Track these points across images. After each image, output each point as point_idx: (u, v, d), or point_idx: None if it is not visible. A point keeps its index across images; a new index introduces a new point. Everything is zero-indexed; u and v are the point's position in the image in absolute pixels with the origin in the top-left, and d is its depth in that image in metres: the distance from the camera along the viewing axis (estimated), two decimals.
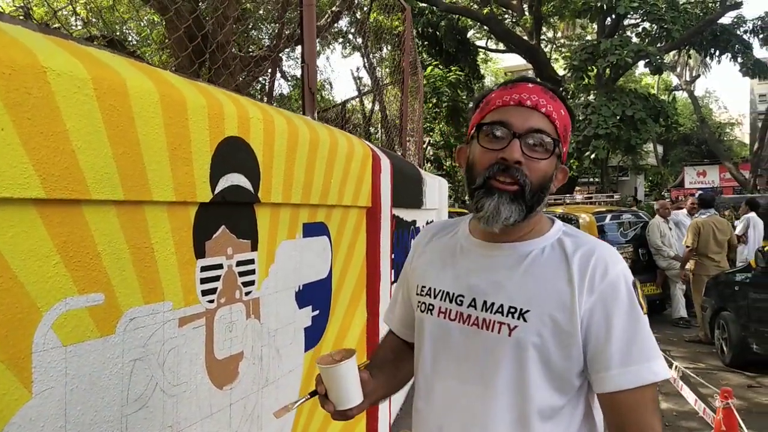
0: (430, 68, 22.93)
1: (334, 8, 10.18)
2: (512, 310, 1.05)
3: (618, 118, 16.03)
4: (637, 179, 29.94)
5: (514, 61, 31.13)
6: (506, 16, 23.79)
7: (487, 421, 1.06)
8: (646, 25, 18.55)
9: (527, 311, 1.04)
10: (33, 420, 1.06)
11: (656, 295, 7.77)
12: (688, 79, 29.93)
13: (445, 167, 26.40)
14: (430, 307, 1.17)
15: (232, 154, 1.61)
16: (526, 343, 1.03)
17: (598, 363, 1.01)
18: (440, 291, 1.16)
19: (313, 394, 1.21)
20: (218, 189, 1.55)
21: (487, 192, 1.04)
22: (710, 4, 18.82)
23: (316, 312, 2.24)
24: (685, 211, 8.00)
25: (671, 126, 18.09)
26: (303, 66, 2.39)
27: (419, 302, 1.21)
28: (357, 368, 1.15)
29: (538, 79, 1.12)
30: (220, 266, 1.60)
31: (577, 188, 24.76)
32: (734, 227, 7.61)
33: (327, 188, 2.22)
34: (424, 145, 25.41)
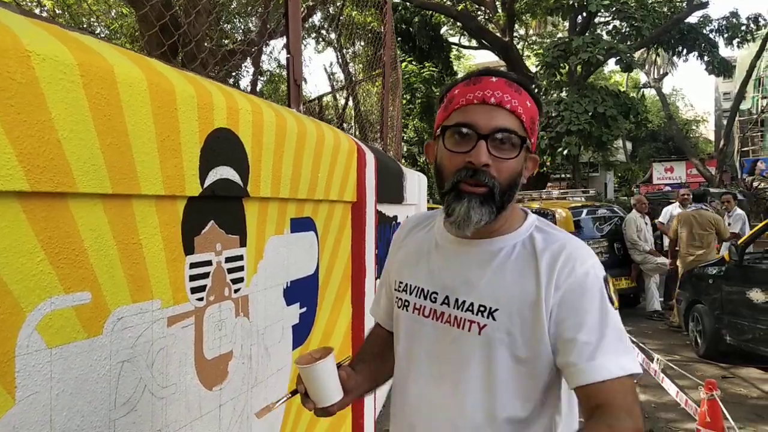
0: (403, 64, 22.90)
1: (309, 2, 10.08)
2: (482, 308, 1.06)
3: (590, 114, 16.23)
4: (607, 175, 30.41)
5: (488, 57, 31.33)
6: (479, 12, 23.88)
7: (457, 419, 1.08)
8: (617, 23, 18.81)
9: (496, 310, 1.05)
10: (16, 428, 0.99)
11: (631, 288, 7.89)
12: (656, 76, 30.48)
13: (419, 163, 26.46)
14: (406, 303, 1.18)
15: (222, 146, 1.55)
16: (494, 341, 1.04)
17: (566, 358, 1.01)
18: (415, 287, 1.17)
19: (294, 392, 1.23)
20: (207, 182, 1.49)
21: (456, 196, 1.04)
22: (678, 4, 19.17)
23: (304, 309, 2.18)
24: (677, 204, 8.06)
25: (641, 123, 18.39)
26: (288, 58, 2.32)
27: (397, 298, 1.22)
28: (335, 366, 1.17)
29: (503, 70, 1.14)
30: (209, 263, 1.54)
31: (549, 184, 25.03)
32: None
33: (314, 183, 2.17)
34: None
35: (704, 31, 18.81)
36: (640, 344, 6.25)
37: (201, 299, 1.51)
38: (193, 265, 1.47)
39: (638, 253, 7.58)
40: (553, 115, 16.84)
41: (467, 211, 1.02)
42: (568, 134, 16.35)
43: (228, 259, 1.63)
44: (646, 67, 29.89)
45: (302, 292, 2.16)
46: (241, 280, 1.70)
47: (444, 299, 1.11)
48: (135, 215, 1.27)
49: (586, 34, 17.41)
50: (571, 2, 16.88)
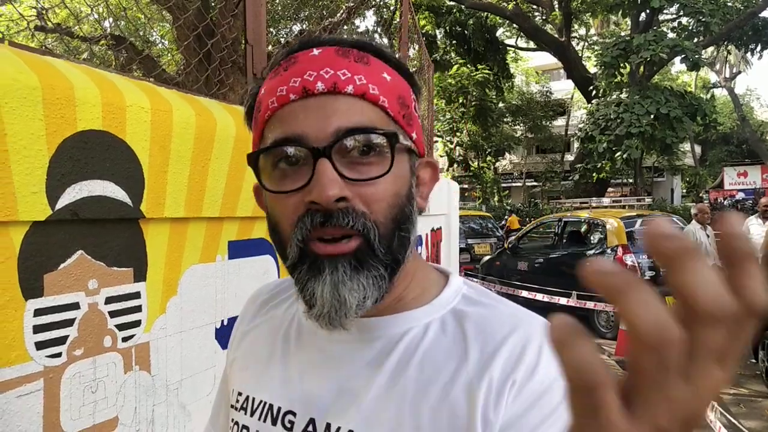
0: (456, 67, 22.47)
1: (349, 3, 9.78)
2: None
3: (652, 116, 15.31)
4: (673, 180, 28.90)
5: (545, 59, 30.44)
6: (536, 13, 23.14)
7: None
8: (683, 19, 17.72)
9: None
10: None
11: None
12: (727, 76, 28.76)
13: (472, 168, 25.85)
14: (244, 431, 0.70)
15: (91, 154, 1.19)
16: None
17: None
18: (261, 403, 0.70)
19: None
20: (64, 202, 1.13)
21: (312, 268, 0.60)
22: None
23: None
24: (754, 216, 7.20)
25: (709, 125, 17.28)
26: (246, 47, 1.96)
27: (231, 420, 0.74)
28: None
29: (334, 36, 0.64)
30: (73, 306, 1.18)
31: (610, 190, 23.95)
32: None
33: None
34: (452, 146, 24.93)
35: None
36: None
37: (57, 355, 1.15)
38: (40, 312, 1.12)
39: None
40: (613, 117, 15.99)
41: (334, 291, 0.58)
42: (628, 137, 15.46)
43: (111, 299, 1.27)
44: (717, 66, 28.25)
45: None
46: (135, 324, 1.34)
47: (307, 425, 0.65)
48: None
49: (649, 31, 16.44)
50: None
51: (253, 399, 0.72)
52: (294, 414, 0.67)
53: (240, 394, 0.74)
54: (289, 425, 0.67)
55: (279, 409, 0.68)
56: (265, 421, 0.69)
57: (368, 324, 0.66)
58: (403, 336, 0.64)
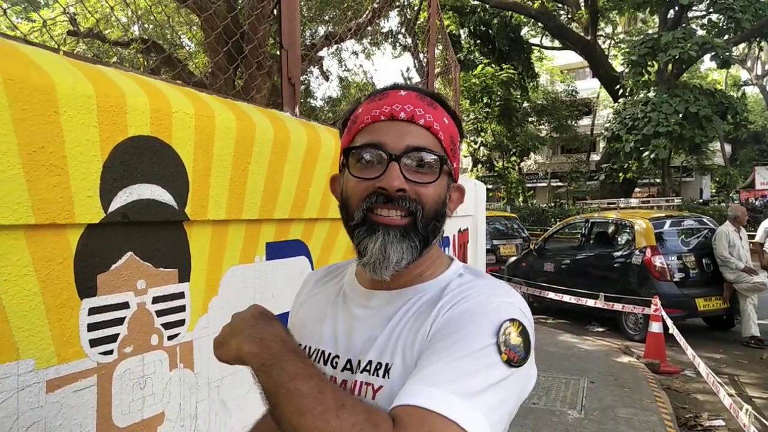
0: (480, 67, 22.34)
1: (374, 4, 9.81)
2: (378, 366, 0.86)
3: (681, 115, 15.03)
4: (702, 180, 28.39)
5: (570, 58, 30.13)
6: (561, 12, 22.91)
7: None
8: (713, 16, 17.37)
9: (391, 366, 0.85)
10: None
11: (722, 310, 7.00)
12: (759, 73, 28.14)
13: (497, 168, 25.69)
14: None
15: (141, 159, 1.23)
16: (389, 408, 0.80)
17: None
18: (316, 350, 0.97)
19: None
20: (116, 205, 1.18)
21: (369, 230, 0.86)
22: None
23: None
24: None
25: (740, 123, 16.90)
26: (282, 51, 2.00)
27: None
28: None
29: (412, 84, 0.99)
30: (123, 305, 1.23)
31: (637, 190, 23.60)
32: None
33: (303, 198, 1.83)
34: (477, 146, 24.80)
35: None
36: (731, 377, 5.49)
37: (109, 353, 1.20)
38: (94, 311, 1.16)
39: (730, 271, 6.68)
40: (640, 116, 15.76)
41: (382, 247, 0.84)
42: (656, 136, 15.22)
43: (157, 299, 1.31)
44: (748, 63, 27.65)
45: None
46: (180, 323, 1.38)
47: (346, 364, 0.91)
48: None
49: (678, 29, 16.15)
50: None
51: (310, 347, 0.98)
52: (338, 357, 0.93)
53: (300, 345, 0.97)
54: (334, 365, 0.93)
55: (329, 354, 0.94)
56: (319, 362, 0.95)
57: (394, 294, 0.91)
58: (409, 300, 0.90)
